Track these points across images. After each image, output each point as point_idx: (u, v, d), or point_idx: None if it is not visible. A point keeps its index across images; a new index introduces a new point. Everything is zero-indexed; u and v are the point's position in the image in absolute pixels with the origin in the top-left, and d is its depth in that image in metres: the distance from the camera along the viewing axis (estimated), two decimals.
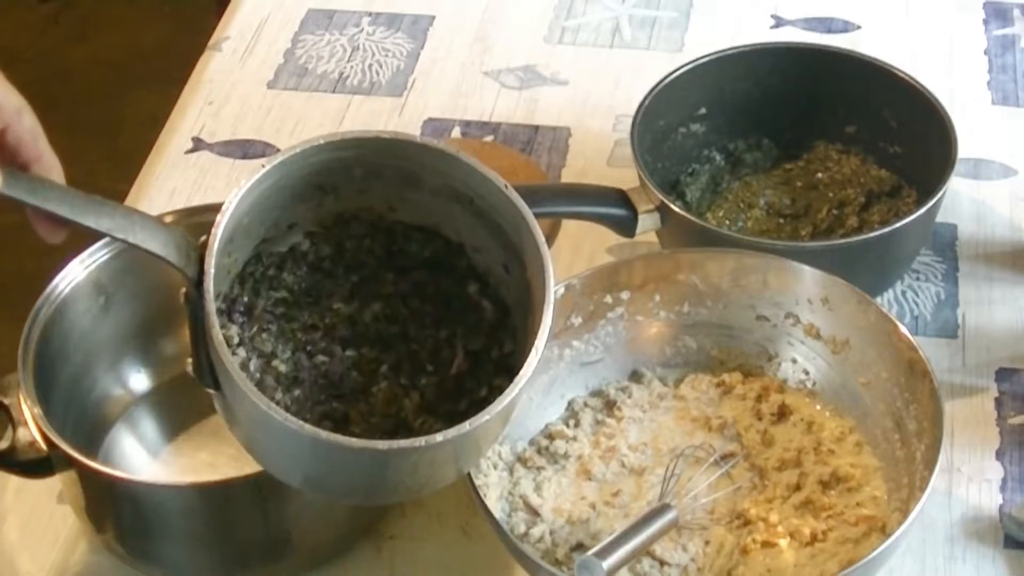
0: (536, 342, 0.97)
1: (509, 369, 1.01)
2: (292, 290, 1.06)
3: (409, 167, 1.03)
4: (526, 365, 0.97)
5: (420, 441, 0.94)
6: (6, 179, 0.93)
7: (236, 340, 1.03)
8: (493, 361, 1.05)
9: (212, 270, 0.95)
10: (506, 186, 1.01)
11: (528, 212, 1.01)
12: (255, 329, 1.04)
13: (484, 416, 0.96)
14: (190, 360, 0.98)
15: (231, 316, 1.03)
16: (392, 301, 1.07)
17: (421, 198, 1.05)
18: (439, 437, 0.94)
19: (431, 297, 1.07)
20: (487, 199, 1.03)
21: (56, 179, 0.98)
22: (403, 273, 1.07)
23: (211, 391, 0.98)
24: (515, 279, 1.04)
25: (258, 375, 1.03)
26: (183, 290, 0.97)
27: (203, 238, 0.96)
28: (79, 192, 0.96)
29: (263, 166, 0.98)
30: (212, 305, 0.94)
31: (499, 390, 0.97)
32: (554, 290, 0.99)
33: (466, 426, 0.95)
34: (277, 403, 0.99)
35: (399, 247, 1.07)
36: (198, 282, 0.95)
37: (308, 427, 0.93)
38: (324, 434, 0.94)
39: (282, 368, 1.04)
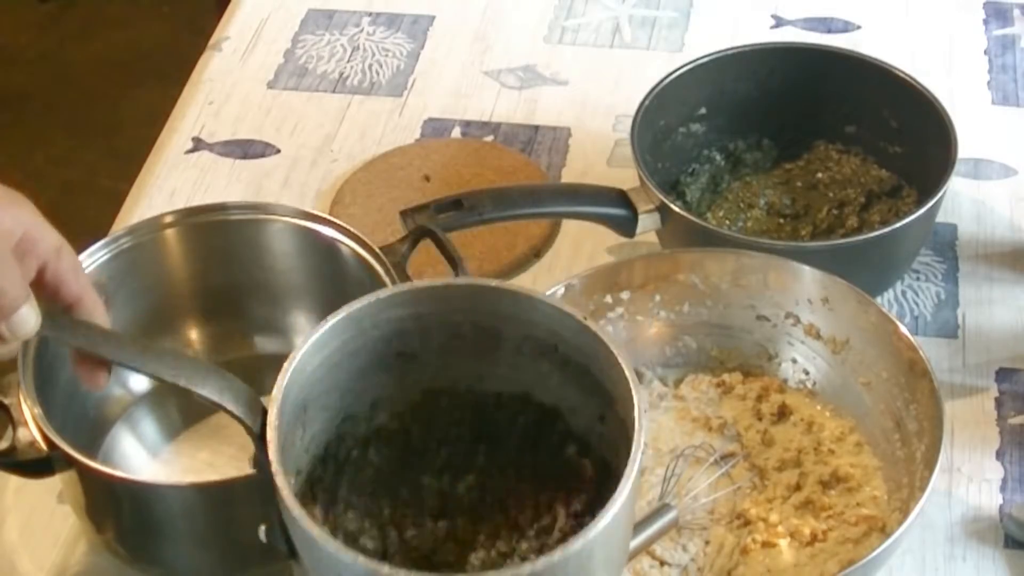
0: (630, 462, 0.88)
1: None
2: (379, 469, 1.00)
3: (487, 323, 0.96)
4: (619, 489, 0.87)
5: (507, 574, 0.85)
6: (49, 320, 0.89)
7: (320, 520, 0.96)
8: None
9: (276, 421, 0.88)
10: (585, 318, 0.94)
11: (611, 344, 0.93)
12: (340, 509, 0.98)
13: (576, 542, 0.85)
14: (263, 527, 0.89)
15: (314, 496, 0.96)
16: (487, 472, 1.00)
17: (506, 360, 0.98)
18: (526, 569, 0.84)
19: (528, 464, 1.00)
20: (569, 341, 0.95)
21: (99, 321, 0.94)
22: (497, 443, 1.00)
23: (289, 560, 0.90)
24: (612, 425, 0.95)
25: None
26: (250, 457, 0.90)
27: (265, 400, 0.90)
28: (124, 335, 0.93)
29: (323, 320, 0.92)
30: (277, 461, 0.86)
31: None
32: (643, 425, 0.91)
33: (556, 555, 0.84)
34: None
35: (492, 416, 1.00)
36: (261, 435, 0.88)
37: (399, 572, 0.83)
38: None
39: (370, 545, 0.97)
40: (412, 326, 0.96)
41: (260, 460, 0.88)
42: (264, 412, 0.90)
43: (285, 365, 0.91)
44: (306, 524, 0.85)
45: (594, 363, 0.95)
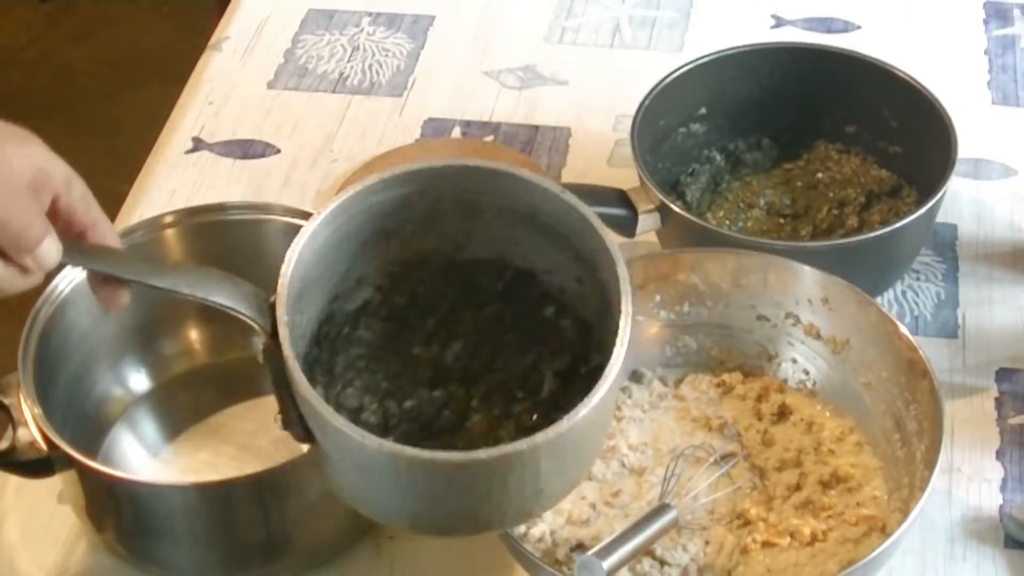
0: (620, 334, 0.94)
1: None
2: (370, 344, 1.03)
3: (467, 196, 1.01)
4: (613, 358, 0.93)
5: (522, 444, 0.91)
6: (65, 248, 0.93)
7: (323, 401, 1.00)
8: (583, 377, 1.01)
9: (286, 317, 0.93)
10: (563, 190, 0.99)
11: (588, 211, 0.98)
12: (339, 387, 1.02)
13: (581, 410, 0.92)
14: (279, 415, 0.95)
15: (313, 377, 1.00)
16: (472, 337, 1.04)
17: (485, 228, 1.03)
18: (540, 438, 0.90)
19: (510, 327, 1.04)
20: (548, 211, 1.00)
21: (112, 244, 0.98)
22: (479, 308, 1.05)
23: (305, 444, 0.95)
24: (590, 288, 1.01)
25: None
26: (261, 347, 0.95)
27: (272, 297, 0.95)
28: (138, 256, 0.97)
29: (317, 211, 0.97)
30: (291, 353, 0.92)
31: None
32: (629, 282, 0.96)
33: (564, 423, 0.91)
34: None
35: (471, 283, 1.05)
36: (273, 333, 0.93)
37: (409, 449, 0.90)
38: (425, 454, 0.90)
39: (372, 419, 1.01)
40: (396, 206, 1.00)
41: (271, 355, 0.93)
42: (272, 311, 0.94)
43: (285, 261, 0.95)
44: (323, 410, 0.91)
45: (573, 233, 0.99)
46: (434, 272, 1.04)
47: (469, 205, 1.01)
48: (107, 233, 0.98)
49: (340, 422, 0.91)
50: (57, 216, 0.95)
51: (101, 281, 0.98)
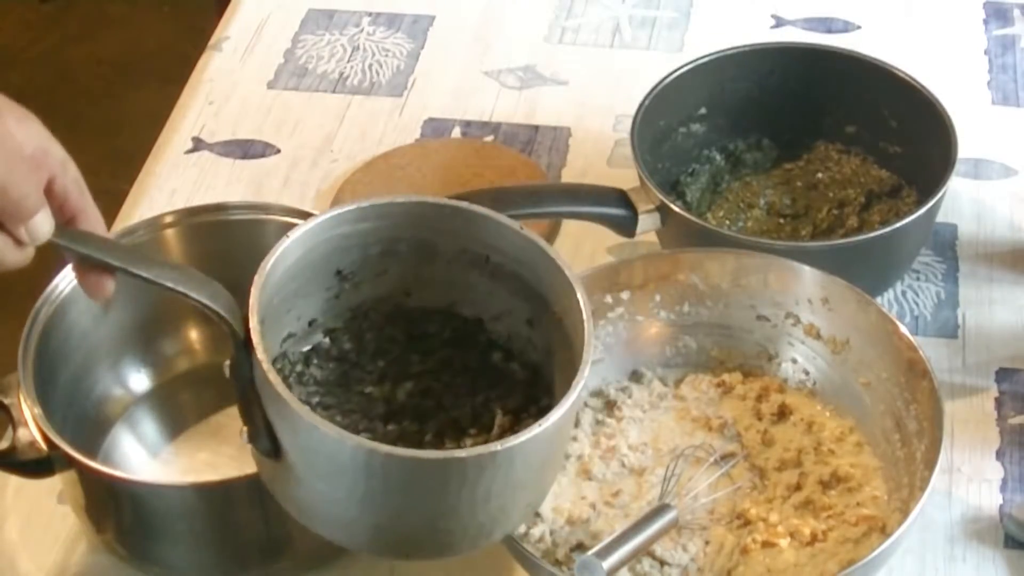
0: (581, 368, 0.97)
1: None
2: (322, 383, 1.05)
3: (425, 236, 1.04)
4: (574, 384, 0.96)
5: (496, 446, 0.92)
6: (57, 229, 0.94)
7: None
8: (532, 416, 1.03)
9: (259, 324, 0.95)
10: (520, 227, 1.02)
11: (547, 247, 1.02)
12: None
13: (555, 415, 0.94)
14: (244, 429, 0.97)
15: None
16: (423, 379, 1.06)
17: (436, 274, 1.06)
18: (520, 439, 0.92)
19: (459, 371, 1.07)
20: (504, 251, 1.04)
21: (100, 233, 0.99)
22: (428, 353, 1.07)
23: (268, 459, 0.97)
24: (543, 328, 1.04)
25: None
26: (227, 363, 0.96)
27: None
28: (127, 245, 0.99)
29: (288, 236, 0.99)
30: (264, 357, 0.93)
31: None
32: (589, 307, 1.00)
33: (536, 428, 0.93)
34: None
35: (420, 330, 1.08)
36: (245, 341, 0.95)
37: (385, 446, 0.92)
38: (402, 450, 0.92)
39: None
40: (353, 243, 1.03)
41: (239, 363, 0.95)
42: (244, 320, 0.96)
43: (258, 272, 0.97)
44: (298, 408, 0.91)
45: (529, 270, 1.03)
46: (383, 318, 1.07)
47: (426, 245, 1.05)
48: (96, 222, 0.98)
49: (316, 419, 0.91)
50: (52, 196, 0.95)
51: (87, 269, 0.98)
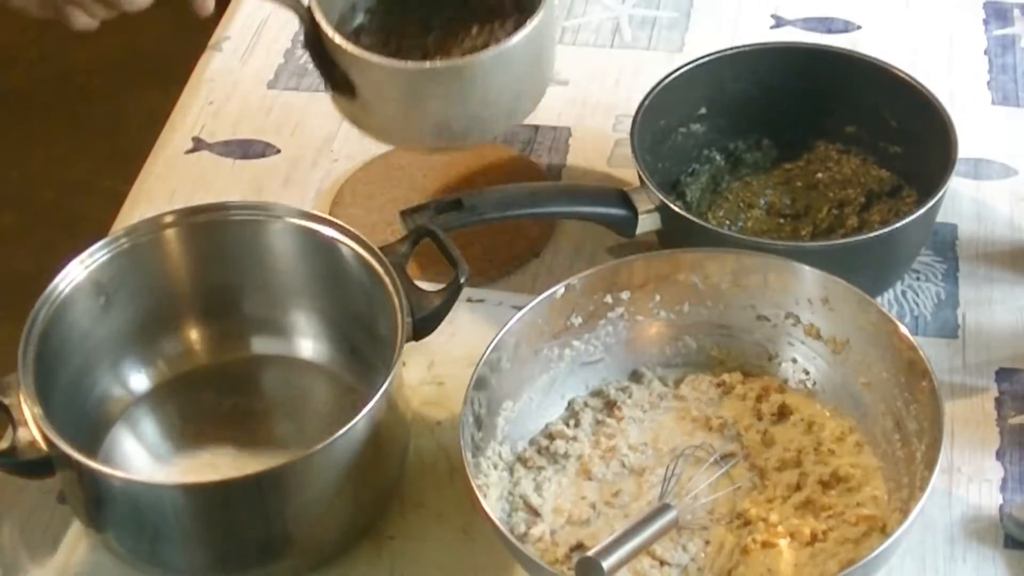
0: None
1: None
2: (369, 47, 1.25)
3: None
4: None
5: (507, 42, 1.21)
6: None
7: None
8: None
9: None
10: None
11: None
12: None
13: (533, 22, 1.21)
14: (328, 84, 1.24)
15: None
16: (445, 27, 1.30)
17: None
18: (516, 37, 1.21)
19: (467, 14, 1.30)
20: None
21: None
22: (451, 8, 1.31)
23: (348, 100, 1.24)
24: None
25: None
26: (302, 38, 1.24)
27: None
28: None
29: None
30: (326, 22, 1.21)
31: None
32: None
33: (527, 27, 1.21)
34: None
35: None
36: (311, 17, 1.22)
37: (436, 63, 1.23)
38: (440, 62, 1.23)
39: None
40: None
41: (311, 38, 1.24)
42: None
43: None
44: (362, 54, 1.21)
45: None
46: None
47: None
48: None
49: (378, 59, 1.21)
50: None
51: None
